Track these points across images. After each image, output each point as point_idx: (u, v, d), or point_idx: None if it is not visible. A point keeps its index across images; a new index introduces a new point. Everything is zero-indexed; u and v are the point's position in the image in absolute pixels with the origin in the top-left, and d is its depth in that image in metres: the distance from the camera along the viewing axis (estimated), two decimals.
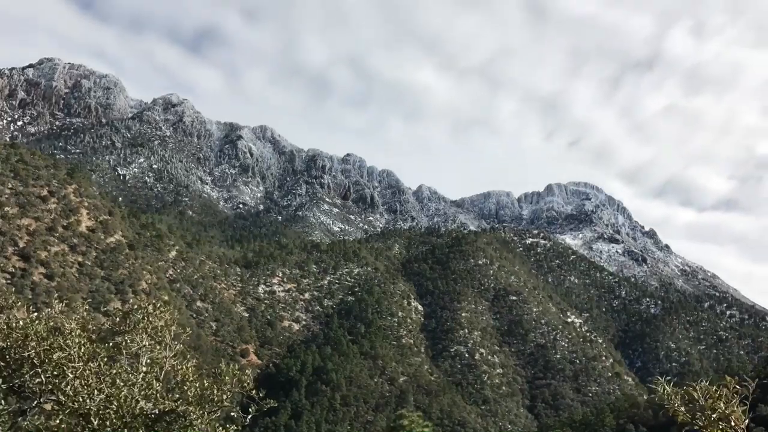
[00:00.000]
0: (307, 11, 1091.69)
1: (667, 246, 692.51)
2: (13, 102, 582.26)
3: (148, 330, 17.51)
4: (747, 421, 11.21)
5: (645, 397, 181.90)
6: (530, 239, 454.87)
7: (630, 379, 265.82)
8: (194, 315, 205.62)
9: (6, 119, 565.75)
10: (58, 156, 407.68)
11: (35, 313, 17.01)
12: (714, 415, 10.88)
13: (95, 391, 15.41)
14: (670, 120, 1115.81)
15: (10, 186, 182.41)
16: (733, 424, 10.73)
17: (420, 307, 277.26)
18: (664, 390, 11.68)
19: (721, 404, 10.83)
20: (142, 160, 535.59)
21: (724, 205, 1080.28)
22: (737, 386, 11.07)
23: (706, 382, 11.20)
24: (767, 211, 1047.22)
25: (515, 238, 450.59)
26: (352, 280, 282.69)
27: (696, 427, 11.23)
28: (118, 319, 17.69)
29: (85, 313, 17.69)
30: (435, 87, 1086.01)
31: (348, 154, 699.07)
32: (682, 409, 11.36)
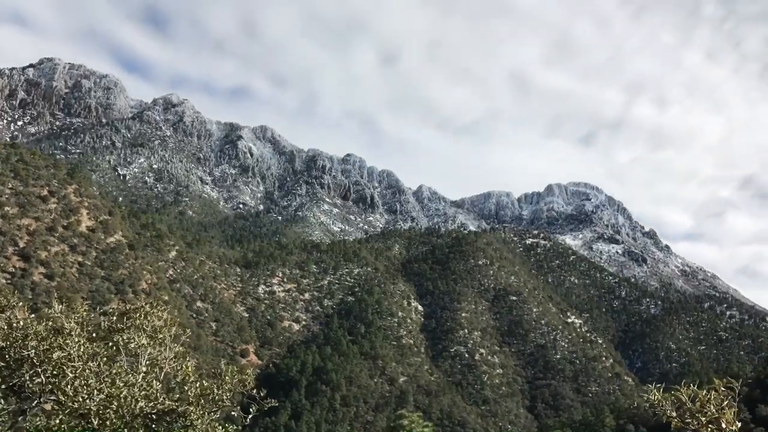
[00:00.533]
0: (326, 78, 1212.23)
1: (667, 246, 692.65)
2: (13, 102, 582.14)
3: (147, 329, 17.59)
4: (739, 423, 11.23)
5: (645, 398, 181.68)
6: (530, 239, 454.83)
7: (630, 380, 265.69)
8: (194, 315, 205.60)
9: (6, 119, 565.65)
10: (58, 156, 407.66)
11: (35, 313, 17.10)
12: (704, 419, 10.91)
13: (95, 390, 15.48)
14: (639, 169, 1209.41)
15: (10, 186, 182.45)
16: (724, 426, 10.76)
17: (420, 308, 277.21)
18: (655, 396, 11.73)
19: (711, 407, 10.86)
20: (142, 160, 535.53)
21: (691, 238, 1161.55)
22: (724, 388, 11.10)
23: (695, 385, 11.22)
24: (729, 242, 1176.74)
25: (515, 239, 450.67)
26: (352, 281, 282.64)
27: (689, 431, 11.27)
28: (115, 318, 17.77)
29: (84, 313, 17.77)
30: (434, 143, 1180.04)
31: (348, 155, 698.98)
32: (674, 414, 11.41)
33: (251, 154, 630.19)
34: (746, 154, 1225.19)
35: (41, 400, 16.30)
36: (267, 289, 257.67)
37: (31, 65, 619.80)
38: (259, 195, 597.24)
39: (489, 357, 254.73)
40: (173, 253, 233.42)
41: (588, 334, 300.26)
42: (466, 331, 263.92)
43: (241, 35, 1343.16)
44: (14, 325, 16.49)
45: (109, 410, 15.35)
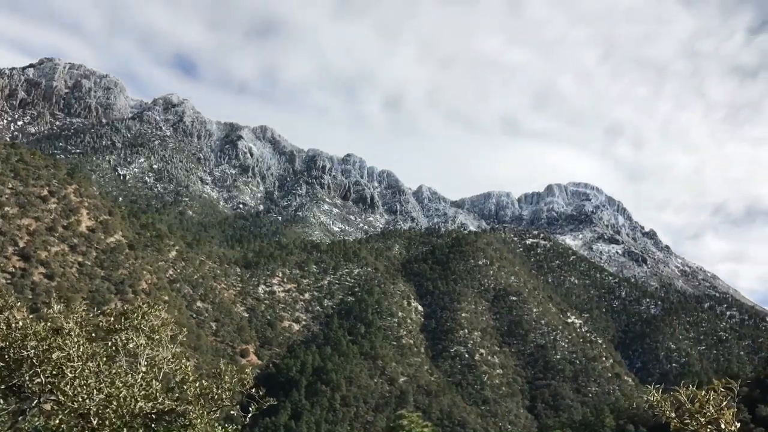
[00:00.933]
0: (336, 117, 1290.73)
1: (667, 246, 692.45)
2: (14, 102, 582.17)
3: (145, 329, 17.58)
4: (739, 423, 11.22)
5: (644, 398, 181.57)
6: (530, 240, 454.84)
7: (630, 380, 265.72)
8: (194, 315, 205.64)
9: (6, 119, 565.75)
10: (58, 156, 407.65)
11: (35, 313, 17.11)
12: (703, 419, 10.90)
13: (94, 390, 15.47)
14: (620, 197, 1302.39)
15: (10, 186, 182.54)
16: (723, 426, 10.74)
17: (420, 308, 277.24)
18: (654, 397, 11.72)
19: (710, 407, 10.85)
20: (142, 160, 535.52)
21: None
22: (723, 388, 11.10)
23: (694, 386, 11.21)
24: (706, 261, 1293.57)
25: (515, 239, 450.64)
26: (352, 281, 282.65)
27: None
28: (113, 318, 17.76)
29: (83, 313, 17.76)
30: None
31: (348, 155, 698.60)
32: (673, 415, 11.40)
33: (251, 154, 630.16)
34: (716, 185, 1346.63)
35: (41, 400, 16.30)
36: (267, 289, 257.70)
37: (31, 65, 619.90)
38: (259, 195, 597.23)
39: (489, 357, 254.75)
40: (173, 253, 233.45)
41: (588, 334, 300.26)
42: (466, 331, 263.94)
43: (261, 81, 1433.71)
44: (14, 325, 16.49)
45: (108, 410, 15.35)
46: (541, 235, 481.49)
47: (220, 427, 16.32)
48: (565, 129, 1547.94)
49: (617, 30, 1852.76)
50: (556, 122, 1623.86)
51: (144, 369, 16.94)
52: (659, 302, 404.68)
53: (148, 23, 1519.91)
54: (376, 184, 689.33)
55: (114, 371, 16.11)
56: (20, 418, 16.40)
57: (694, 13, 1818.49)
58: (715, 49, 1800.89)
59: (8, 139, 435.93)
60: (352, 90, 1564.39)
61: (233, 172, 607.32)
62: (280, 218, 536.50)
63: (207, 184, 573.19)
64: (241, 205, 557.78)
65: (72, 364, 15.71)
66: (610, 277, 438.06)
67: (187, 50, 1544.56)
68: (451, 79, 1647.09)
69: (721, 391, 11.05)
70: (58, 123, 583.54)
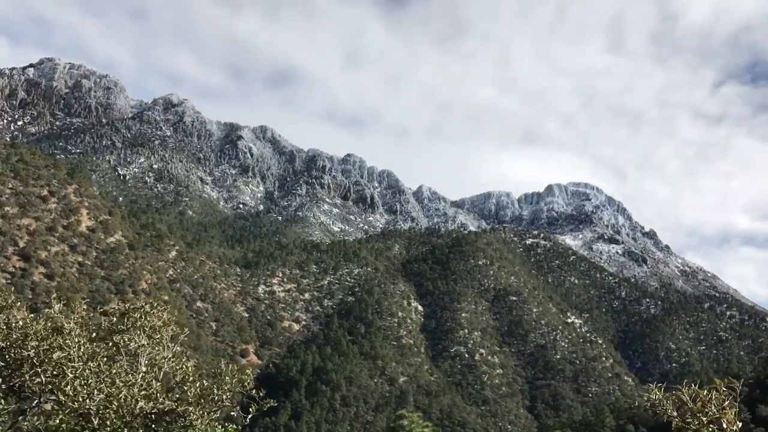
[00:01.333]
0: (346, 148, 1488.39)
1: (667, 246, 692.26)
2: (14, 102, 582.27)
3: (146, 329, 17.57)
4: (740, 423, 11.21)
5: (645, 397, 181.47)
6: (530, 240, 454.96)
7: (630, 380, 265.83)
8: (194, 315, 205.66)
9: (6, 119, 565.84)
10: (58, 156, 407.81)
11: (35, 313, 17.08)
12: (705, 419, 10.89)
13: (95, 390, 15.47)
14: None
15: (10, 186, 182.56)
16: (725, 426, 10.74)
17: (420, 308, 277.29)
18: (656, 396, 11.71)
19: (712, 407, 10.85)
20: (142, 160, 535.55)
21: None
22: (725, 388, 11.09)
23: (696, 385, 11.20)
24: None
25: (515, 239, 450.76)
26: (352, 281, 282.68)
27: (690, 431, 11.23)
28: (115, 318, 17.75)
29: (84, 313, 17.74)
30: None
31: (348, 155, 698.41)
32: (675, 414, 11.39)
33: (251, 154, 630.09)
34: (692, 212, 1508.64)
35: (41, 400, 16.29)
36: (267, 289, 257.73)
37: (31, 65, 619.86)
38: (259, 195, 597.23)
39: (489, 357, 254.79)
40: (173, 253, 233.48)
41: (588, 334, 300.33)
42: (466, 331, 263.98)
43: (279, 114, 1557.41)
44: (14, 325, 16.48)
45: (109, 410, 15.34)
46: (541, 235, 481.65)
47: (220, 428, 16.32)
48: (552, 161, 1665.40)
49: (596, 83, 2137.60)
50: (544, 156, 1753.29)
51: (144, 369, 16.94)
52: (659, 302, 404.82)
53: (176, 68, 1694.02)
54: (376, 184, 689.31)
55: (114, 371, 16.10)
56: (20, 418, 16.40)
57: (666, 67, 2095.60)
58: (684, 99, 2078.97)
59: (8, 139, 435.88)
60: (361, 125, 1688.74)
61: (233, 172, 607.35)
62: (280, 218, 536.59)
63: (207, 184, 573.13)
64: (241, 205, 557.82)
65: (72, 364, 15.71)
66: (610, 277, 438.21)
67: (211, 92, 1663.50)
68: (449, 120, 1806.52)
69: (723, 390, 11.03)
70: (58, 123, 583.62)
